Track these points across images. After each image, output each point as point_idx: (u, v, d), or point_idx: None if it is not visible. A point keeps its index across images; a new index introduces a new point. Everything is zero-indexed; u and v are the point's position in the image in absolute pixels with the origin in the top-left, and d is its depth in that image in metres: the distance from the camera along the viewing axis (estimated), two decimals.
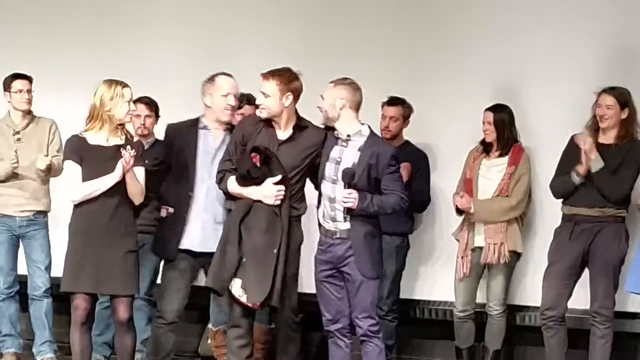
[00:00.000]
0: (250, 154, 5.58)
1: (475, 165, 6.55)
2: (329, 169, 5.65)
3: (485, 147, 6.58)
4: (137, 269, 5.74)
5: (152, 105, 6.77)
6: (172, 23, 7.72)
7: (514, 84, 6.88)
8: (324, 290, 5.69)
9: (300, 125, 5.70)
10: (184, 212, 5.89)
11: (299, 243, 5.75)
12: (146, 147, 6.25)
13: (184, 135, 5.95)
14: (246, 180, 5.59)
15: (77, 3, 8.01)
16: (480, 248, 6.44)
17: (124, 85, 5.67)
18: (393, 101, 6.74)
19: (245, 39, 7.45)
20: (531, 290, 6.69)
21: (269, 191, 5.56)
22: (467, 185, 6.50)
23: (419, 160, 6.75)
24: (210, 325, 6.68)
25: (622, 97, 6.13)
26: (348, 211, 5.55)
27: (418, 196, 6.60)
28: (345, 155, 5.62)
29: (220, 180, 5.71)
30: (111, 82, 5.66)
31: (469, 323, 6.55)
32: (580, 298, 6.28)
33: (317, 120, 5.76)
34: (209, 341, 6.71)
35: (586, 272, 6.20)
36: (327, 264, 5.66)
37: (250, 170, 5.57)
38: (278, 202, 5.57)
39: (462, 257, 6.47)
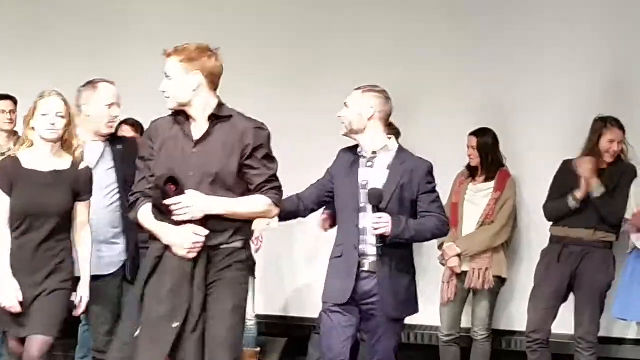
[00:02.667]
0: (165, 184, 4.17)
1: (462, 189, 6.52)
2: (353, 196, 4.88)
3: (472, 172, 6.55)
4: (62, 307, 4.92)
5: (137, 127, 6.69)
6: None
7: (500, 107, 6.86)
8: (328, 322, 4.89)
9: (220, 115, 4.32)
10: None
11: (241, 298, 4.28)
12: None
13: None
14: (162, 213, 4.19)
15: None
16: (465, 273, 6.41)
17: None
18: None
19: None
20: (516, 315, 6.69)
21: (181, 238, 4.16)
22: (453, 210, 6.46)
23: None
24: None
25: (623, 127, 6.15)
26: (381, 239, 4.77)
27: None
28: (372, 177, 4.85)
29: (131, 206, 4.38)
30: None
31: (455, 347, 6.52)
32: (563, 322, 6.25)
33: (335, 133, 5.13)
34: None
35: (571, 296, 6.18)
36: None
37: (159, 205, 4.18)
38: (193, 254, 4.16)
39: (447, 282, 6.44)
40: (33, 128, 4.79)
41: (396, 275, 4.83)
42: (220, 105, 4.34)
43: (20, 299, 4.73)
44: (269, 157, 4.32)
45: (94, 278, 5.02)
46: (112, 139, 5.32)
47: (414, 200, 4.83)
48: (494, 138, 6.48)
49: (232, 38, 6.36)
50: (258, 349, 6.39)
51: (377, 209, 4.71)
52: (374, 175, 4.84)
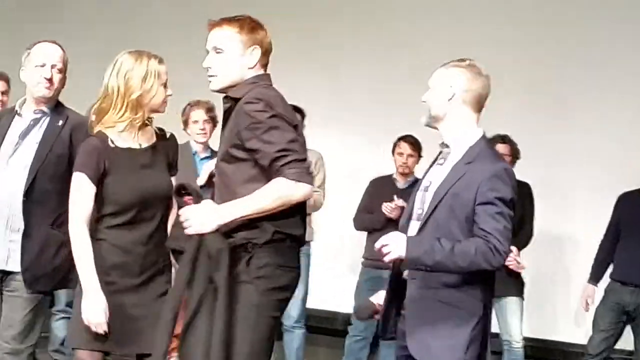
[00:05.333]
0: (181, 196, 3.68)
1: None
2: (410, 201, 3.70)
3: None
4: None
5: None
6: None
7: None
8: None
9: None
10: None
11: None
12: None
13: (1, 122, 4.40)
14: None
15: None
16: None
17: (159, 59, 3.93)
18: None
19: None
20: None
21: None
22: None
23: None
24: None
25: None
26: (409, 266, 3.53)
27: None
28: (436, 178, 3.59)
29: None
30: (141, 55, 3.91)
31: None
32: None
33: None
34: None
35: None
36: (399, 340, 3.66)
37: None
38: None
39: None
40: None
41: (435, 309, 3.51)
42: None
43: (107, 318, 3.81)
44: (270, 130, 3.49)
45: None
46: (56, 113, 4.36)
47: (468, 214, 3.45)
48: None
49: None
50: None
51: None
52: (439, 176, 3.59)
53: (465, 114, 3.57)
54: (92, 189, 3.82)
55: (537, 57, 6.83)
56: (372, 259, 6.07)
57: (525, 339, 6.15)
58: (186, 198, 3.62)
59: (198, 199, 3.57)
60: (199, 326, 3.49)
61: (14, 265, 4.24)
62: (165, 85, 3.88)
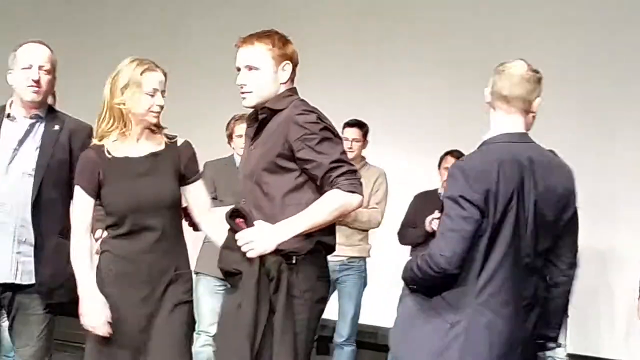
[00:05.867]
0: (233, 219, 3.61)
1: None
2: None
3: None
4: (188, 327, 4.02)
5: None
6: None
7: None
8: None
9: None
10: None
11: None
12: None
13: None
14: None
15: None
16: None
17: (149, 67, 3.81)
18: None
19: None
20: None
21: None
22: None
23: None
24: None
25: None
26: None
27: None
28: None
29: None
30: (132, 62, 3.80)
31: None
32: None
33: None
34: None
35: None
36: None
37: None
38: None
39: None
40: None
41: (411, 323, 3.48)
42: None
43: (109, 319, 3.76)
44: (323, 142, 3.55)
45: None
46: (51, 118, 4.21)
47: None
48: None
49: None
50: None
51: None
52: None
53: (498, 114, 3.52)
54: (88, 201, 3.79)
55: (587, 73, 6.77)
56: None
57: (569, 355, 6.07)
58: (238, 221, 3.58)
59: (251, 222, 3.55)
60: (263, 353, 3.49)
61: (26, 277, 4.08)
62: (153, 95, 3.76)
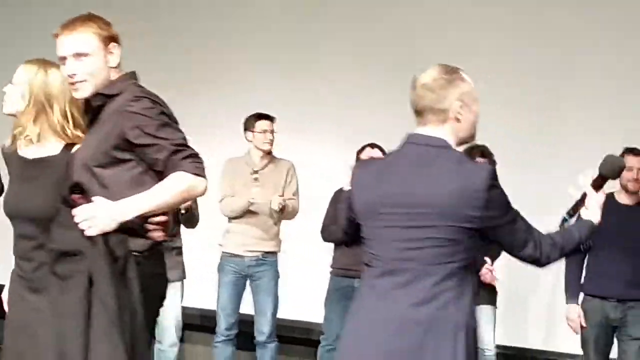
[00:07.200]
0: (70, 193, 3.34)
1: None
2: None
3: None
4: None
5: None
6: None
7: None
8: None
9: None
10: None
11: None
12: None
13: None
14: None
15: None
16: None
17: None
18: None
19: None
20: None
21: None
22: None
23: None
24: None
25: None
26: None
27: None
28: None
29: None
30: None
31: None
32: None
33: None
34: None
35: None
36: None
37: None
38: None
39: None
40: None
41: None
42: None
43: None
44: (163, 127, 3.43)
45: None
46: None
47: None
48: None
49: None
50: None
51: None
52: None
53: None
54: None
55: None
56: (341, 268, 6.21)
57: (498, 347, 6.15)
58: (74, 196, 3.32)
59: (89, 199, 3.33)
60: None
61: None
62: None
